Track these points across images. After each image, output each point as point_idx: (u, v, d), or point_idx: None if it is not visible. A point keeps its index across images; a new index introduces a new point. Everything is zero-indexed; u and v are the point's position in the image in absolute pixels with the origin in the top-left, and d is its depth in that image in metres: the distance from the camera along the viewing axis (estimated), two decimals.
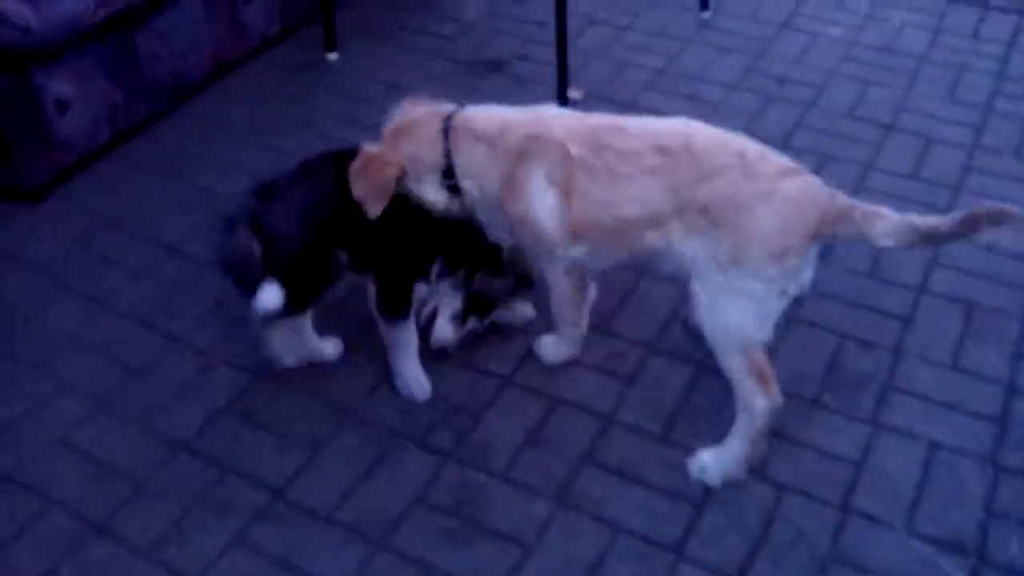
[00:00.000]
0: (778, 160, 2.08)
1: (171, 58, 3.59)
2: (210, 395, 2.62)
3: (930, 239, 2.01)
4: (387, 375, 2.62)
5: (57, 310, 2.88)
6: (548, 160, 2.16)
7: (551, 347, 2.58)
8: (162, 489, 2.41)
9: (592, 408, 2.55)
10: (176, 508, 2.36)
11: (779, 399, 2.17)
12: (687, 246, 2.11)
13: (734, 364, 2.14)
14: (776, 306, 2.09)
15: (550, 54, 3.70)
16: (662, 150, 2.09)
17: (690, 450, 2.41)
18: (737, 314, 2.08)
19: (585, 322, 2.54)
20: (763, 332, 2.11)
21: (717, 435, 2.39)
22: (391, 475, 2.42)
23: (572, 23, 3.54)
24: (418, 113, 2.31)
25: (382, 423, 2.54)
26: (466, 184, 2.28)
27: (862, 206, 2.03)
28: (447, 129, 2.25)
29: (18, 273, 3.01)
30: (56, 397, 2.63)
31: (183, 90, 3.69)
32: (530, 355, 2.68)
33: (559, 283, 2.39)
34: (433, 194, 2.32)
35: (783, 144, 3.36)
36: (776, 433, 2.37)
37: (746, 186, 2.02)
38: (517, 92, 3.77)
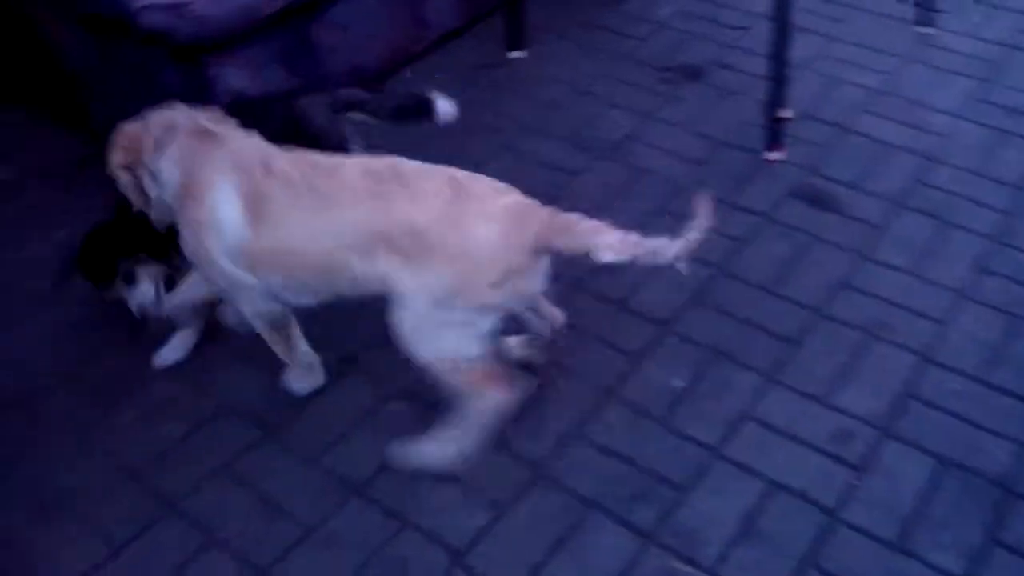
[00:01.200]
0: (490, 181, 2.03)
1: (348, 50, 3.36)
2: (387, 430, 2.38)
3: (647, 258, 1.99)
4: (578, 433, 2.38)
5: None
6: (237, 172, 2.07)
7: (295, 381, 2.45)
8: (332, 537, 2.20)
9: (815, 499, 2.22)
10: (347, 561, 2.16)
11: (510, 395, 2.17)
12: (397, 276, 2.00)
13: (456, 383, 2.12)
14: (495, 324, 2.07)
15: (753, 64, 3.38)
16: (371, 173, 2.01)
17: (931, 566, 2.07)
18: (454, 343, 2.06)
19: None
20: (482, 349, 2.08)
21: (962, 549, 2.07)
22: (583, 552, 2.14)
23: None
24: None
25: (576, 488, 2.27)
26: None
27: (584, 221, 1.99)
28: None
29: None
30: (221, 419, 2.45)
31: (360, 83, 3.43)
32: (740, 421, 2.40)
33: (258, 326, 2.31)
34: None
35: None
36: None
37: (462, 206, 1.96)
38: (717, 104, 3.44)
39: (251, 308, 2.25)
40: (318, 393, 2.50)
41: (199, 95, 2.89)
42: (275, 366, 2.49)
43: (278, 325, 2.31)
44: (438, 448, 2.22)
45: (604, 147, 3.29)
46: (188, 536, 2.22)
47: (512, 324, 2.29)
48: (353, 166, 2.06)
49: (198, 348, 2.64)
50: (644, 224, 2.09)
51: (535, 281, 2.07)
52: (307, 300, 2.21)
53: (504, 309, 2.06)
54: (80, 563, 2.17)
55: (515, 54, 3.70)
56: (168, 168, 2.13)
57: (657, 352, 2.57)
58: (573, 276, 2.64)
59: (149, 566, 2.17)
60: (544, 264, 2.06)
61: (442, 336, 2.05)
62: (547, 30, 3.86)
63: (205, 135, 2.13)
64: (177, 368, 2.60)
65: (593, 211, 2.09)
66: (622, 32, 3.88)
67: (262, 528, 2.23)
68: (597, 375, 2.51)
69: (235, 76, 3.03)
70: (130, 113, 2.23)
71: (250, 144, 2.14)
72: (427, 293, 1.99)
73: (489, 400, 2.14)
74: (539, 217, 2.01)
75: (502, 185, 2.05)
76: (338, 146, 2.44)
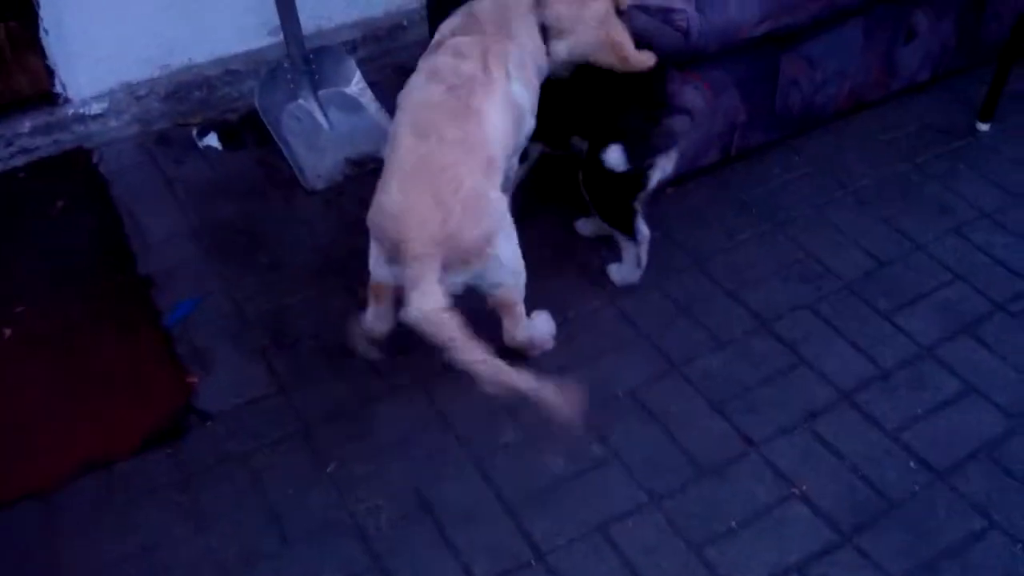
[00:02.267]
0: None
1: (810, 86, 3.08)
2: (794, 542, 2.17)
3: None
4: None
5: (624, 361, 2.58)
6: None
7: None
8: None
9: None
10: None
11: None
12: None
13: None
14: None
15: None
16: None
17: None
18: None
19: None
20: None
21: None
22: None
23: None
24: None
25: None
26: None
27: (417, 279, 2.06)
28: None
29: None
30: (608, 466, 2.32)
31: (806, 123, 3.17)
32: None
33: None
34: None
35: None
36: None
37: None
38: None
39: None
40: (716, 466, 2.29)
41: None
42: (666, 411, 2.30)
43: None
44: None
45: None
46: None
47: None
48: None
49: None
50: None
51: None
52: None
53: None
54: None
55: (983, 126, 3.26)
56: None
57: None
58: None
59: None
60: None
61: None
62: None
63: None
64: None
65: None
66: None
67: None
68: None
69: (692, 95, 2.85)
70: None
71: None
72: None
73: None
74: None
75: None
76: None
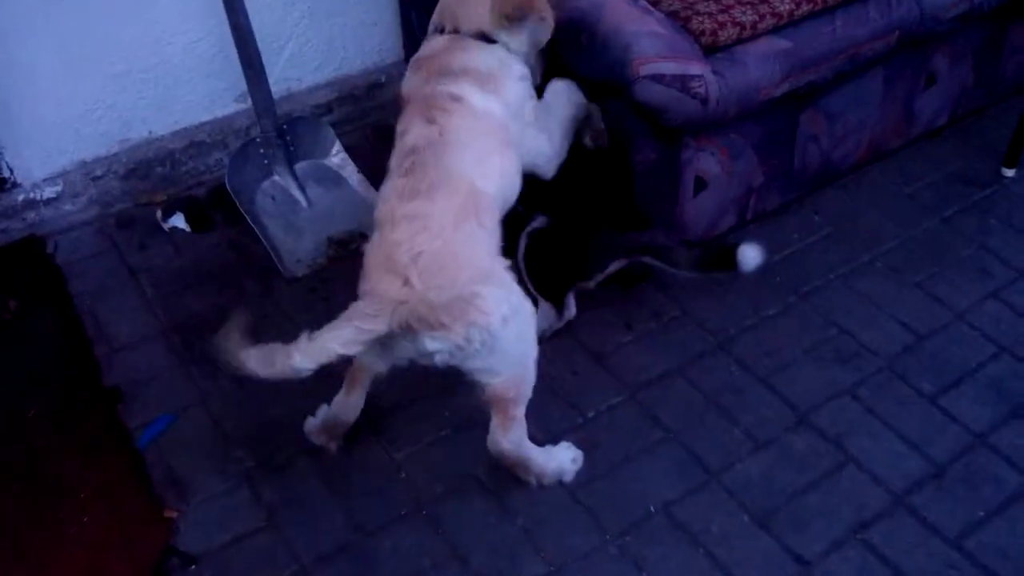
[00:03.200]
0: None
1: (829, 141, 2.86)
2: None
3: None
4: None
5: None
6: None
7: None
8: None
9: None
10: None
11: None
12: None
13: None
14: None
15: None
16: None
17: None
18: None
19: None
20: None
21: None
22: None
23: None
24: None
25: None
26: None
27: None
28: None
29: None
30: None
31: (824, 179, 2.94)
32: None
33: None
34: None
35: None
36: None
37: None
38: None
39: None
40: None
41: (665, 170, 2.55)
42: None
43: None
44: None
45: None
46: None
47: None
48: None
49: None
50: None
51: None
52: None
53: None
54: None
55: (1009, 172, 3.04)
56: None
57: None
58: None
59: None
60: None
61: None
62: None
63: None
64: None
65: None
66: None
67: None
68: None
69: (708, 161, 2.61)
70: None
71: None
72: None
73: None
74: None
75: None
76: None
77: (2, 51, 2.68)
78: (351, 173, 3.01)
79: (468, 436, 2.32)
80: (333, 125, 3.16)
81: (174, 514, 2.22)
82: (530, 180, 2.29)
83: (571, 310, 2.54)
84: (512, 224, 2.36)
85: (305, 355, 1.83)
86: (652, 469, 2.28)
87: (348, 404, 2.20)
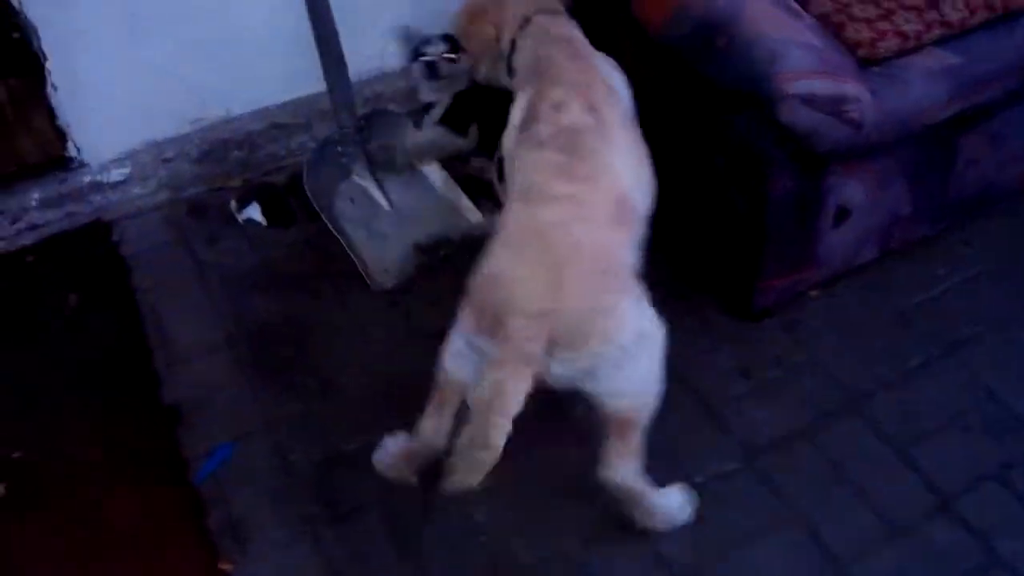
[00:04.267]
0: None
1: (989, 166, 2.48)
2: None
3: None
4: None
5: None
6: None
7: None
8: None
9: None
10: None
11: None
12: None
13: None
14: None
15: None
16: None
17: None
18: None
19: None
20: None
21: None
22: None
23: None
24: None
25: None
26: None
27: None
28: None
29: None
30: None
31: (979, 205, 2.54)
32: None
33: None
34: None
35: None
36: None
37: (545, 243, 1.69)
38: None
39: None
40: None
41: (803, 199, 2.22)
42: None
43: None
44: None
45: None
46: None
47: None
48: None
49: None
50: None
51: None
52: None
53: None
54: None
55: None
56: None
57: None
58: None
59: None
60: None
61: None
62: None
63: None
64: None
65: None
66: None
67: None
68: None
69: (853, 189, 2.26)
70: None
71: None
72: None
73: None
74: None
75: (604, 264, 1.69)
76: None
77: (66, 16, 2.43)
78: (434, 171, 2.72)
79: (561, 501, 2.04)
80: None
81: (229, 567, 1.98)
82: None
83: None
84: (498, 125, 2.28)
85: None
86: (770, 556, 1.99)
87: (435, 428, 1.94)
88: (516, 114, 1.95)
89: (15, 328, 2.47)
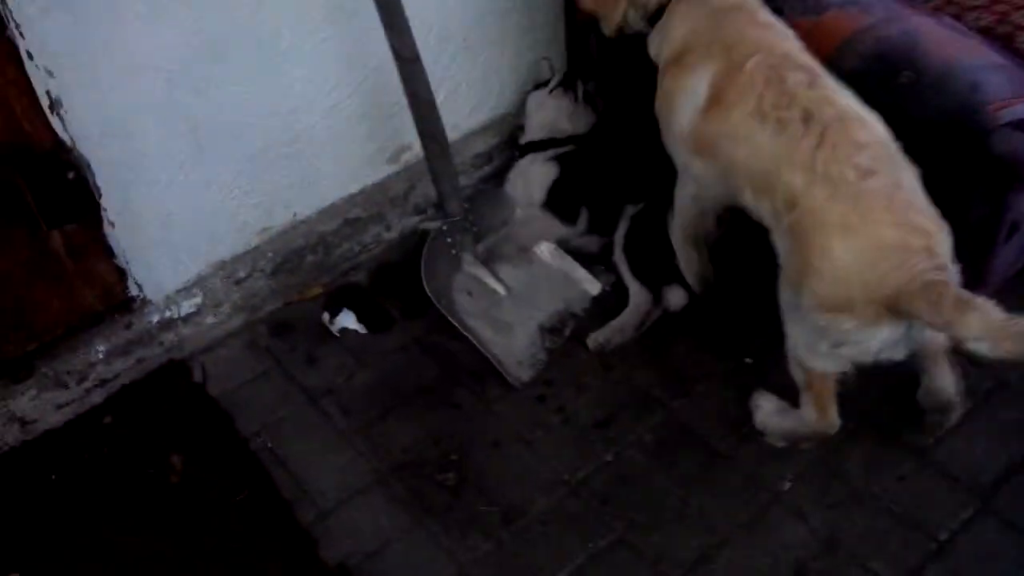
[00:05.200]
0: (911, 207, 1.68)
1: None
2: None
3: None
4: None
5: None
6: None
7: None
8: None
9: None
10: None
11: (830, 425, 1.96)
12: (775, 235, 1.84)
13: (792, 368, 1.96)
14: (829, 353, 1.82)
15: None
16: (807, 115, 1.75)
17: None
18: (792, 328, 1.88)
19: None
20: (813, 363, 1.88)
21: None
22: None
23: None
24: None
25: None
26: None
27: (956, 290, 1.61)
28: None
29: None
30: None
31: None
32: None
33: (681, 207, 2.15)
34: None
35: None
36: None
37: (841, 207, 1.68)
38: None
39: (692, 190, 2.09)
40: None
41: (992, 219, 2.08)
42: None
43: (696, 220, 2.16)
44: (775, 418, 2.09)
45: None
46: None
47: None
48: (806, 100, 1.78)
49: None
50: None
51: (877, 340, 1.75)
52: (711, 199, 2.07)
53: (836, 340, 1.78)
54: None
55: None
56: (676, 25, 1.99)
57: None
58: None
59: None
60: (894, 331, 1.73)
61: (791, 321, 1.87)
62: None
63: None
64: None
65: None
66: None
67: None
68: None
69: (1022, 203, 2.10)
70: None
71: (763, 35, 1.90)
72: (783, 270, 1.83)
73: (807, 414, 1.98)
74: (910, 272, 1.64)
75: (931, 221, 1.69)
76: None
77: (123, 145, 2.14)
78: (540, 245, 2.48)
79: None
80: (496, 176, 2.61)
81: None
82: (633, 165, 2.43)
83: (675, 299, 2.37)
84: (611, 206, 2.44)
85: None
86: None
87: (826, 423, 1.98)
88: (690, 94, 1.92)
89: (117, 508, 2.13)
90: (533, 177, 2.51)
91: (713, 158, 1.97)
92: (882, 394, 2.13)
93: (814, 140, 1.73)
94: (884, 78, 1.93)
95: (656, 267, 2.36)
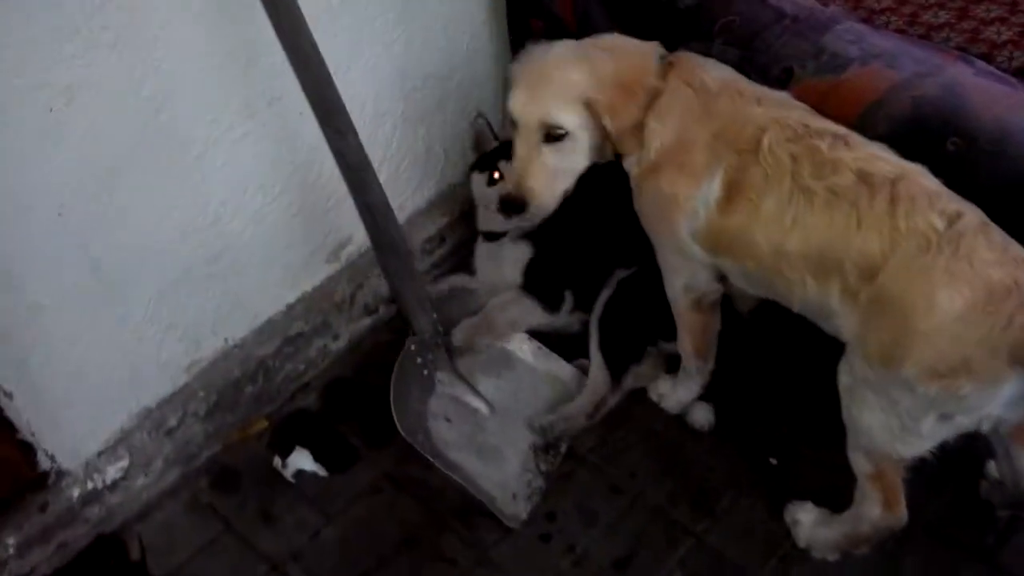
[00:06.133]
0: (1006, 243, 1.52)
1: None
2: None
3: None
4: None
5: None
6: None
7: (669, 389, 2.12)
8: None
9: None
10: None
11: (899, 520, 1.77)
12: (842, 315, 1.65)
13: (857, 460, 1.75)
14: (932, 429, 1.61)
15: None
16: (864, 176, 1.59)
17: None
18: (870, 416, 1.66)
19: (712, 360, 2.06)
20: (902, 448, 1.67)
21: None
22: None
23: None
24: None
25: None
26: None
27: None
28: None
29: None
30: None
31: None
32: None
33: (678, 303, 1.96)
34: None
35: None
36: None
37: (943, 259, 1.51)
38: None
39: (683, 281, 1.91)
40: None
41: None
42: None
43: (702, 307, 1.96)
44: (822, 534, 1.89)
45: None
46: None
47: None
48: (854, 162, 1.61)
49: None
50: None
51: (998, 400, 1.55)
52: (749, 289, 1.86)
53: (948, 411, 1.58)
54: None
55: None
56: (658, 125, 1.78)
57: None
58: None
59: None
60: (1018, 386, 1.52)
61: (866, 405, 1.66)
62: None
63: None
64: None
65: None
66: None
67: None
68: None
69: None
70: None
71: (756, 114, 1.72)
72: (863, 349, 1.61)
73: (869, 512, 1.77)
74: None
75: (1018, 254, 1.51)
76: None
77: (10, 298, 1.76)
78: (520, 343, 2.15)
79: None
80: (451, 257, 2.28)
81: None
82: (620, 224, 2.03)
83: (701, 417, 2.13)
84: (598, 274, 2.16)
85: None
86: None
87: (895, 518, 1.78)
88: (696, 193, 1.74)
89: None
90: (505, 258, 2.17)
91: (735, 257, 1.76)
92: (924, 484, 1.86)
93: (886, 198, 1.55)
94: (926, 146, 1.65)
95: (630, 344, 2.11)
